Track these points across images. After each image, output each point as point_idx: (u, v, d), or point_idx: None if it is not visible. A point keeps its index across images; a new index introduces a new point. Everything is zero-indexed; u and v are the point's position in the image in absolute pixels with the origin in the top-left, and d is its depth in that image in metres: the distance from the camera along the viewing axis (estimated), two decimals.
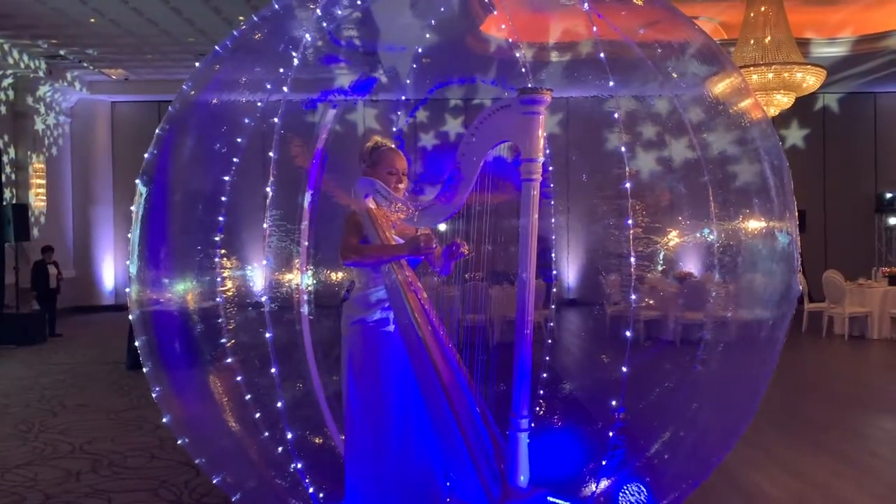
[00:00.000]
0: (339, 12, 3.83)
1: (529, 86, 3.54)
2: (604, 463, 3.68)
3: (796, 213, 3.76)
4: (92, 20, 12.49)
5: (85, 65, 15.30)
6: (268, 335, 3.47)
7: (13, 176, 14.83)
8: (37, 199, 15.29)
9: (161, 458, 5.37)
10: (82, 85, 16.47)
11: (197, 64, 4.67)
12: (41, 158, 15.58)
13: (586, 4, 3.60)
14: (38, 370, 9.43)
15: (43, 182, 15.54)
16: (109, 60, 15.10)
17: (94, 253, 17.15)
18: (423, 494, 3.40)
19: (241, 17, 11.91)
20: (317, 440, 4.06)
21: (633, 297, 3.69)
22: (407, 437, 3.41)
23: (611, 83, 3.45)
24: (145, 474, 5.02)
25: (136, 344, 3.78)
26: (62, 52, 14.45)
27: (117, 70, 15.81)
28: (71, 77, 16.00)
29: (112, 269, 17.29)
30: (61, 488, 4.76)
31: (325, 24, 3.77)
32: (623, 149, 3.57)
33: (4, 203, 13.76)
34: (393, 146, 3.65)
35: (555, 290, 5.01)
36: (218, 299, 3.80)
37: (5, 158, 14.64)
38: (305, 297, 3.99)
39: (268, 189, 3.43)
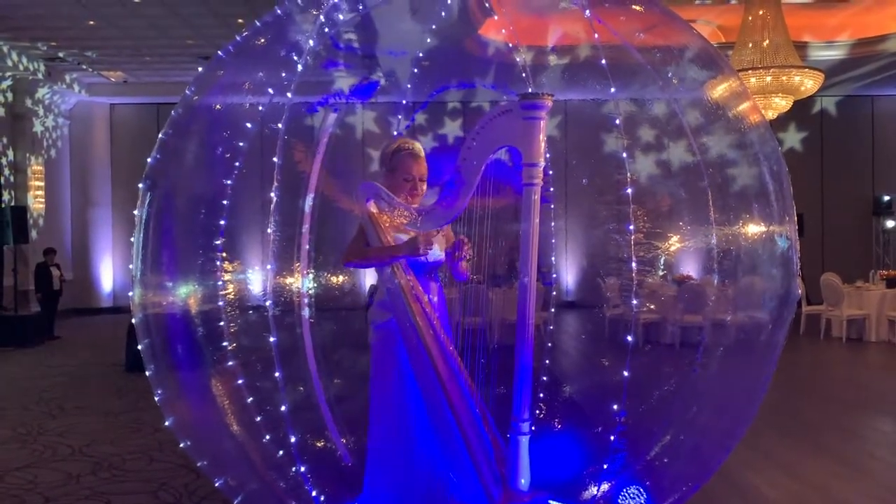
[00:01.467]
0: (341, 17, 3.85)
1: (530, 90, 3.55)
2: (605, 466, 3.69)
3: (795, 218, 3.77)
4: (91, 22, 12.50)
5: (84, 67, 15.31)
6: (272, 339, 3.47)
7: (12, 178, 14.85)
8: (35, 202, 15.29)
9: (161, 460, 5.37)
10: (81, 87, 16.47)
11: (199, 68, 4.68)
12: (40, 161, 15.58)
13: (587, 11, 3.61)
14: (37, 372, 9.44)
15: (41, 184, 15.55)
16: (108, 63, 15.11)
17: (93, 255, 17.16)
18: (427, 497, 3.41)
19: (240, 20, 11.92)
20: (318, 443, 4.07)
21: (635, 301, 3.70)
22: (410, 440, 3.42)
23: (612, 89, 3.46)
24: (145, 477, 5.02)
25: (139, 347, 3.78)
26: (61, 55, 14.46)
27: (116, 72, 15.82)
28: (70, 79, 16.01)
29: (110, 271, 17.29)
30: (61, 491, 4.77)
31: (327, 30, 3.77)
32: (624, 154, 3.57)
33: (3, 205, 13.77)
34: (414, 150, 3.57)
35: (554, 293, 5.02)
36: (220, 303, 3.80)
37: (4, 161, 14.65)
38: (306, 301, 4.00)
39: (272, 194, 3.43)
